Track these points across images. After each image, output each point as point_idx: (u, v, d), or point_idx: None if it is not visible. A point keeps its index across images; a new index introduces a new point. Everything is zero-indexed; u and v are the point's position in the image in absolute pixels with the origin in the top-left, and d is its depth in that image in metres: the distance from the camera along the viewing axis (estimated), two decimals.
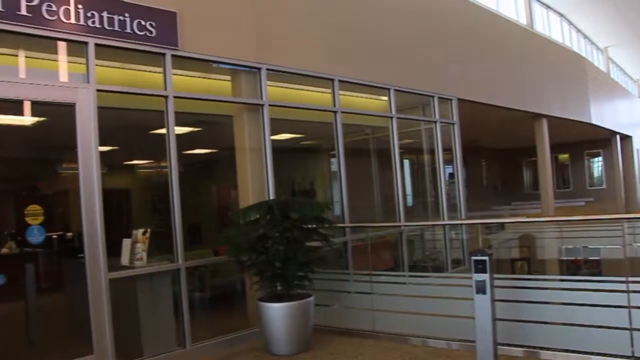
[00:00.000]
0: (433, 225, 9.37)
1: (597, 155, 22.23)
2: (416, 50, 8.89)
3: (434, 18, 9.52)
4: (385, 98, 8.25)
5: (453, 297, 5.54)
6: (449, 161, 9.55)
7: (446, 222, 9.35)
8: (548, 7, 17.23)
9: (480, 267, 4.55)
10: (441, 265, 9.03)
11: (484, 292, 4.52)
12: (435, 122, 9.08)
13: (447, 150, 9.43)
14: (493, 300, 4.53)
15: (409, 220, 8.72)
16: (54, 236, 7.26)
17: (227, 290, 7.24)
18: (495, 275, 4.67)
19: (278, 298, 5.46)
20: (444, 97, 9.24)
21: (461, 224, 9.04)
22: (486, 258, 4.54)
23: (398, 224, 8.16)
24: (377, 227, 7.89)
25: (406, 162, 9.80)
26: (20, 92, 4.74)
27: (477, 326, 4.58)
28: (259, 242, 5.35)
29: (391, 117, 8.18)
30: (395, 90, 8.20)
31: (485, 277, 4.52)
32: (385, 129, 8.39)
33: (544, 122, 13.22)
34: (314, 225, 5.62)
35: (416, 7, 9.17)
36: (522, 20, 14.94)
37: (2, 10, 4.47)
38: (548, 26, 17.09)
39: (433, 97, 9.00)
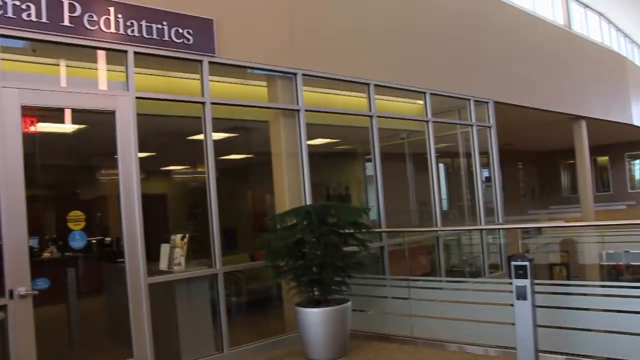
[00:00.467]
0: (470, 230, 9.25)
1: (639, 157, 21.70)
2: (452, 53, 8.82)
3: (469, 20, 9.43)
4: (421, 102, 8.20)
5: (491, 303, 5.46)
6: (485, 165, 9.43)
7: (484, 226, 9.23)
8: (586, 6, 16.89)
9: (520, 273, 4.47)
10: (478, 270, 8.92)
11: (524, 298, 4.44)
12: (471, 125, 8.98)
13: (483, 153, 9.32)
14: (534, 306, 4.45)
15: (445, 225, 8.63)
16: (93, 241, 7.38)
17: (263, 295, 7.26)
18: (535, 281, 4.59)
19: (315, 303, 5.45)
20: (480, 100, 9.14)
21: (499, 229, 8.91)
22: (527, 263, 4.46)
23: (435, 228, 8.08)
24: (413, 231, 7.83)
25: (441, 166, 9.71)
26: (62, 101, 4.86)
27: (517, 333, 4.49)
28: (296, 247, 5.36)
29: (427, 121, 8.12)
30: (431, 93, 8.14)
31: (526, 282, 4.43)
32: (421, 133, 8.33)
33: (583, 124, 12.96)
34: (351, 230, 5.60)
35: (451, 10, 9.09)
36: (560, 20, 14.68)
37: (47, 22, 4.61)
38: (586, 25, 16.74)
39: (469, 100, 8.91)
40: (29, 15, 4.53)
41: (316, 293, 5.51)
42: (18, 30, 4.49)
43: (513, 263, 4.52)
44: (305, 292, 5.52)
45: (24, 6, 4.50)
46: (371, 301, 6.35)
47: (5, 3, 4.42)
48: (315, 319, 5.36)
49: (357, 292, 5.97)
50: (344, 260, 5.46)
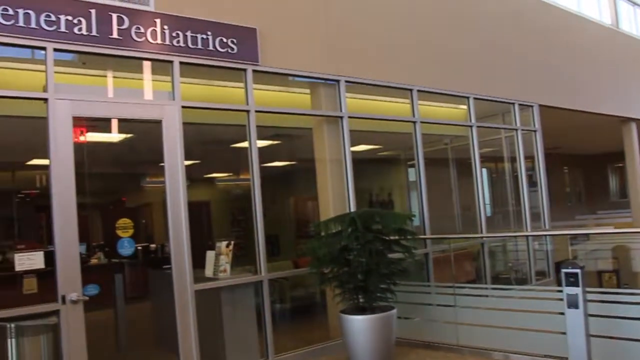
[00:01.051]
0: (516, 236, 9.09)
1: None
2: (495, 57, 8.70)
3: (512, 23, 9.29)
4: (464, 107, 8.11)
5: (540, 311, 5.35)
6: (530, 169, 9.26)
7: (531, 233, 9.04)
8: (634, 3, 16.41)
9: (572, 280, 4.37)
10: (524, 277, 8.75)
11: (576, 307, 4.34)
12: (516, 129, 8.83)
13: (528, 157, 9.15)
14: (586, 315, 4.34)
15: (490, 231, 8.50)
16: (139, 247, 7.52)
17: (306, 302, 7.27)
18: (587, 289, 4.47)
19: (360, 310, 5.42)
20: (525, 104, 8.98)
21: (546, 235, 8.73)
22: (578, 271, 4.36)
23: (480, 235, 7.96)
24: (458, 238, 7.74)
25: (485, 171, 9.58)
26: (111, 111, 5.00)
27: (569, 342, 4.39)
28: (341, 254, 5.35)
29: (471, 126, 8.02)
30: (475, 98, 8.04)
31: (577, 290, 4.33)
32: (464, 138, 8.24)
33: (633, 126, 12.57)
34: (396, 237, 5.56)
35: (494, 13, 8.97)
36: (607, 19, 14.30)
37: (97, 35, 4.75)
38: (635, 24, 16.24)
39: (513, 104, 8.77)
40: (80, 29, 4.67)
41: (361, 300, 5.48)
42: (70, 44, 4.65)
43: (564, 270, 4.42)
44: (350, 299, 5.50)
45: (75, 21, 4.65)
46: (416, 308, 6.29)
47: (59, 18, 4.57)
48: (360, 326, 5.33)
49: (402, 299, 5.92)
50: (389, 267, 5.42)
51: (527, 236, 8.82)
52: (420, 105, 7.31)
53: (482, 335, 5.70)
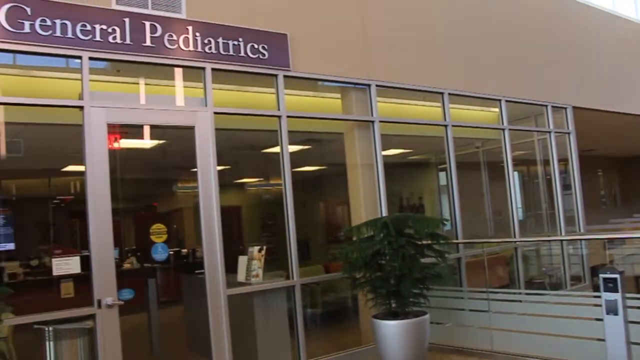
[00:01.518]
0: (550, 240, 8.95)
1: None
2: (527, 58, 8.59)
3: (544, 24, 9.16)
4: (496, 109, 8.02)
5: (576, 317, 5.24)
6: (563, 172, 9.11)
7: (565, 237, 8.89)
8: None
9: (610, 286, 4.27)
10: (559, 282, 8.61)
11: (615, 313, 4.24)
12: (549, 132, 8.70)
13: (562, 160, 9.00)
14: (626, 321, 4.24)
15: (523, 234, 8.38)
16: (171, 252, 7.60)
17: (338, 306, 7.26)
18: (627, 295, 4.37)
19: (393, 315, 5.39)
20: (558, 105, 8.84)
21: (580, 239, 8.57)
22: (617, 276, 4.26)
23: (514, 239, 7.85)
24: (492, 242, 7.65)
25: (517, 174, 9.45)
26: (145, 118, 5.07)
27: (608, 349, 4.29)
28: (373, 258, 5.32)
29: (503, 129, 7.93)
30: (507, 101, 7.95)
31: (616, 296, 4.23)
32: (496, 141, 8.15)
33: None
34: (429, 242, 5.52)
35: (525, 14, 8.87)
36: None
37: (131, 43, 4.83)
38: None
39: (546, 106, 8.64)
40: (114, 37, 4.75)
41: (393, 305, 5.45)
42: (105, 52, 4.73)
43: (602, 276, 4.32)
44: (382, 304, 5.47)
45: (110, 30, 4.74)
46: (448, 313, 6.23)
47: (94, 28, 4.67)
48: (393, 332, 5.29)
49: (434, 304, 5.87)
50: (422, 272, 5.38)
51: (561, 240, 8.66)
52: (452, 109, 7.25)
53: (516, 341, 5.62)
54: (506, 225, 8.06)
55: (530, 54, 8.66)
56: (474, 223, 8.57)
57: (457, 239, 7.02)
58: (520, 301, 6.37)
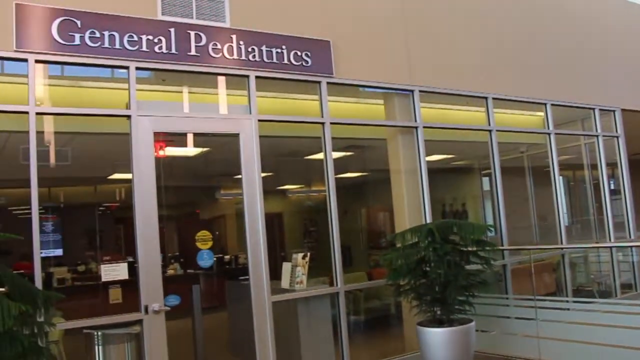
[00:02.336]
0: (599, 247, 8.72)
1: None
2: (573, 61, 8.40)
3: (590, 25, 8.95)
4: (541, 113, 7.88)
5: (627, 327, 5.09)
6: (612, 176, 8.88)
7: (614, 243, 8.63)
8: None
9: None
10: (608, 290, 8.39)
11: None
12: (596, 136, 8.49)
13: (610, 164, 8.77)
14: None
15: (569, 241, 8.19)
16: (214, 259, 7.66)
17: (381, 313, 7.21)
18: None
19: (438, 323, 5.33)
20: (606, 108, 8.62)
21: (631, 246, 8.33)
22: None
23: (561, 246, 7.68)
24: (538, 249, 7.50)
25: (562, 179, 9.26)
26: (191, 126, 5.16)
27: None
28: (418, 265, 5.28)
29: (549, 134, 7.77)
30: (552, 104, 7.79)
31: None
32: (541, 146, 8.00)
33: None
34: (474, 248, 5.44)
35: (571, 15, 8.68)
36: None
37: (176, 53, 4.93)
38: None
39: (594, 109, 8.44)
40: (160, 47, 4.85)
41: (438, 312, 5.39)
42: (151, 62, 4.83)
43: None
44: (427, 312, 5.41)
45: (156, 40, 4.84)
46: (493, 321, 6.12)
47: (140, 38, 4.77)
48: (438, 339, 5.23)
49: (479, 312, 5.79)
50: (468, 279, 5.31)
51: (610, 247, 8.43)
52: (495, 113, 7.15)
53: (564, 350, 5.47)
54: (551, 231, 7.89)
55: (576, 55, 8.47)
56: (518, 229, 8.43)
57: (502, 245, 6.90)
58: (568, 309, 6.22)
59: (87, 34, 4.57)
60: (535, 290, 6.26)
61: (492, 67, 7.28)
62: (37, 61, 4.43)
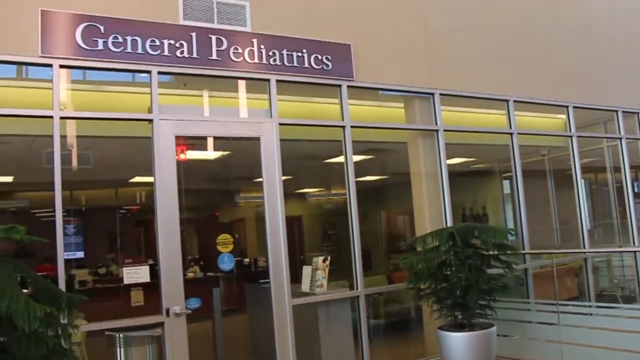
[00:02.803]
0: (623, 251, 8.60)
1: None
2: (595, 62, 8.29)
3: (613, 26, 8.84)
4: (562, 116, 7.80)
5: None
6: (635, 179, 8.76)
7: (638, 248, 8.51)
8: None
9: None
10: (632, 295, 8.27)
11: None
12: (620, 138, 8.38)
13: (634, 167, 8.65)
14: None
15: (592, 245, 8.08)
16: None
17: (401, 317, 7.20)
18: None
19: (459, 327, 5.30)
20: (630, 110, 8.51)
21: None
22: None
23: (583, 250, 7.59)
24: (561, 253, 7.42)
25: (583, 182, 9.16)
26: (212, 130, 5.18)
27: None
28: (439, 269, 5.26)
29: (571, 136, 7.69)
30: (574, 107, 7.71)
31: None
32: (562, 149, 7.92)
33: None
34: (495, 252, 5.40)
35: (593, 15, 8.57)
36: None
37: (197, 57, 4.96)
38: None
39: (617, 111, 8.33)
40: (181, 52, 4.89)
41: (459, 317, 5.36)
42: (173, 66, 4.88)
43: None
44: (448, 316, 5.39)
45: (177, 45, 4.88)
46: (515, 326, 6.06)
47: (162, 43, 4.82)
48: (459, 344, 5.19)
49: (500, 316, 5.74)
50: (489, 283, 5.27)
51: (635, 252, 8.31)
52: (516, 116, 7.10)
53: (588, 356, 5.40)
54: (573, 235, 7.80)
55: (599, 57, 8.37)
56: (539, 233, 8.35)
57: (523, 249, 6.84)
58: (591, 314, 6.14)
59: (110, 39, 4.62)
60: (558, 294, 6.20)
61: (513, 69, 7.22)
62: (61, 66, 4.49)
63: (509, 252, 5.44)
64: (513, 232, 5.90)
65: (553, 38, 7.83)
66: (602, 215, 9.48)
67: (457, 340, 5.20)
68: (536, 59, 7.53)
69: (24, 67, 4.68)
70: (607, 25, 8.72)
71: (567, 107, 7.67)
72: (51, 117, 4.38)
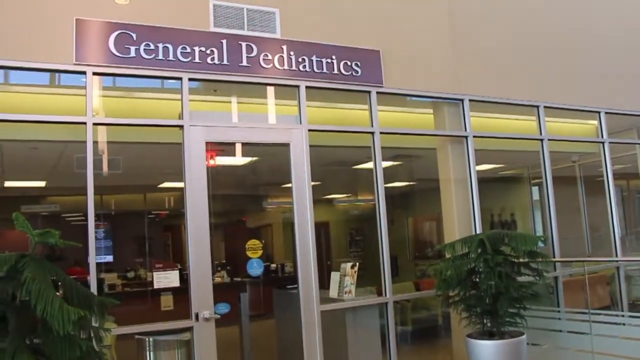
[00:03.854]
0: None
1: None
2: (627, 68, 8.15)
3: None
4: (593, 122, 7.68)
5: None
6: None
7: None
8: None
9: None
10: None
11: None
12: None
13: None
14: None
15: (624, 253, 7.92)
16: None
17: (428, 324, 7.15)
18: None
19: (488, 335, 5.24)
20: None
21: None
22: None
23: (616, 258, 7.45)
24: (592, 261, 7.30)
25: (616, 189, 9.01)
26: (242, 136, 5.22)
27: None
28: (468, 276, 5.21)
29: (602, 142, 7.57)
30: (606, 112, 7.59)
31: None
32: (593, 155, 7.79)
33: None
34: (526, 259, 5.34)
35: (624, 21, 8.43)
36: None
37: (228, 64, 5.01)
38: None
39: None
40: (212, 59, 4.94)
41: (488, 324, 5.30)
42: (203, 73, 4.92)
43: None
44: (477, 323, 5.33)
45: (208, 51, 4.93)
46: (544, 334, 5.98)
47: (193, 50, 4.87)
48: (489, 352, 5.13)
49: (529, 325, 5.66)
50: (519, 291, 5.21)
51: None
52: (546, 122, 7.02)
53: None
54: (604, 243, 7.67)
55: (631, 62, 8.22)
56: (569, 240, 8.24)
57: (553, 256, 6.74)
58: (624, 324, 6.02)
59: (142, 47, 4.69)
60: (590, 303, 6.10)
61: (544, 75, 7.14)
62: (94, 73, 4.57)
63: (540, 259, 5.37)
64: (544, 239, 5.82)
65: (584, 43, 7.72)
66: (634, 222, 9.32)
67: (487, 348, 5.14)
68: (567, 64, 7.43)
69: (56, 74, 4.75)
70: (637, 30, 8.57)
71: (598, 112, 7.56)
72: (84, 123, 4.45)
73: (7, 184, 8.26)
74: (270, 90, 5.42)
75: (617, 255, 7.48)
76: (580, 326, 5.69)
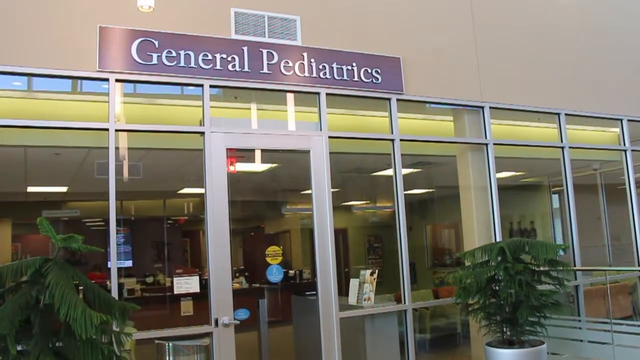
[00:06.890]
0: None
1: None
2: None
3: None
4: (615, 129, 7.60)
5: None
6: None
7: None
8: None
9: None
10: None
11: None
12: None
13: None
14: None
15: None
16: None
17: (447, 331, 7.10)
18: None
19: (507, 344, 5.19)
20: None
21: None
22: None
23: (638, 268, 7.34)
24: (614, 270, 7.21)
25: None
26: (263, 142, 5.24)
27: None
28: (488, 284, 5.17)
29: (625, 150, 7.49)
30: (628, 120, 7.51)
31: None
32: (615, 163, 7.71)
33: None
34: (546, 268, 5.29)
35: None
36: None
37: (249, 71, 5.04)
38: None
39: None
40: (233, 66, 4.97)
41: (508, 333, 5.25)
42: (224, 80, 4.96)
43: None
44: (496, 332, 5.29)
45: (229, 59, 4.97)
46: (565, 344, 5.91)
47: (214, 57, 4.91)
48: None
49: (549, 334, 5.60)
50: (540, 299, 5.16)
51: None
52: (567, 129, 6.96)
53: None
54: (626, 252, 7.57)
55: None
56: (590, 249, 8.15)
57: (574, 265, 6.67)
58: None
59: (164, 54, 4.74)
60: (611, 312, 6.03)
61: (565, 82, 7.09)
62: (117, 80, 4.62)
63: (561, 268, 5.32)
64: (564, 248, 5.76)
65: (606, 50, 7.65)
66: None
67: (507, 357, 5.10)
68: (588, 71, 7.38)
69: (79, 80, 4.81)
70: None
71: (620, 120, 7.48)
72: (107, 129, 4.50)
73: (30, 189, 8.38)
74: (290, 97, 5.44)
75: (639, 265, 7.39)
76: (602, 336, 5.62)
